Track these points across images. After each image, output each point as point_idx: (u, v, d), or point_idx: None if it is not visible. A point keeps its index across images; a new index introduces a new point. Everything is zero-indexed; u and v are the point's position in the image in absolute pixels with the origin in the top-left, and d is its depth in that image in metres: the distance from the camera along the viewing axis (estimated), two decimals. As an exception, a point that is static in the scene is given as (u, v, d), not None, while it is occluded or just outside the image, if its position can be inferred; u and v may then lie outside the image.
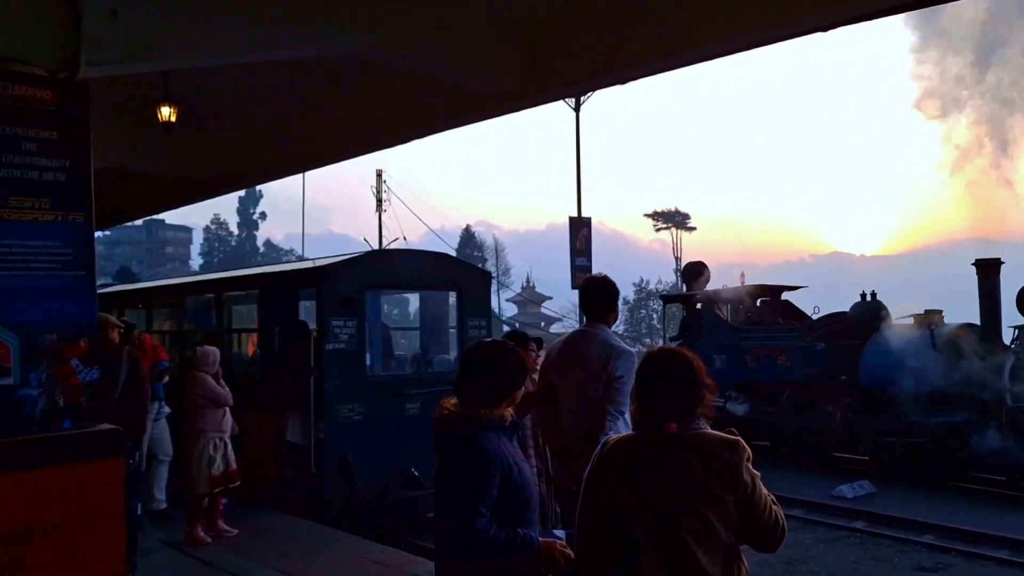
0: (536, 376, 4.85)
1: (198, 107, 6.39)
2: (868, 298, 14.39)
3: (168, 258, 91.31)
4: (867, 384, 13.62)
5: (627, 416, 4.46)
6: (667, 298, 21.00)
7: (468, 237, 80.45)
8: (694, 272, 17.61)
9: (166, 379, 8.25)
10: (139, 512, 6.92)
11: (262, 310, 9.97)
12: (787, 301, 17.18)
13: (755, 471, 2.49)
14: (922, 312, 13.59)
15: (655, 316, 73.70)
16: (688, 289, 17.99)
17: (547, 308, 53.54)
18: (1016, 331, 12.88)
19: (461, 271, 10.56)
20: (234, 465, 7.55)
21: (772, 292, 17.25)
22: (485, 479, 2.79)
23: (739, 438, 2.51)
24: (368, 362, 9.45)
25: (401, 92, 6.16)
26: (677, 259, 74.47)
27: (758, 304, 16.97)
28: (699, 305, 16.92)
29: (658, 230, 76.59)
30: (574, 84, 5.37)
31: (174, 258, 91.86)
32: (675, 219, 75.25)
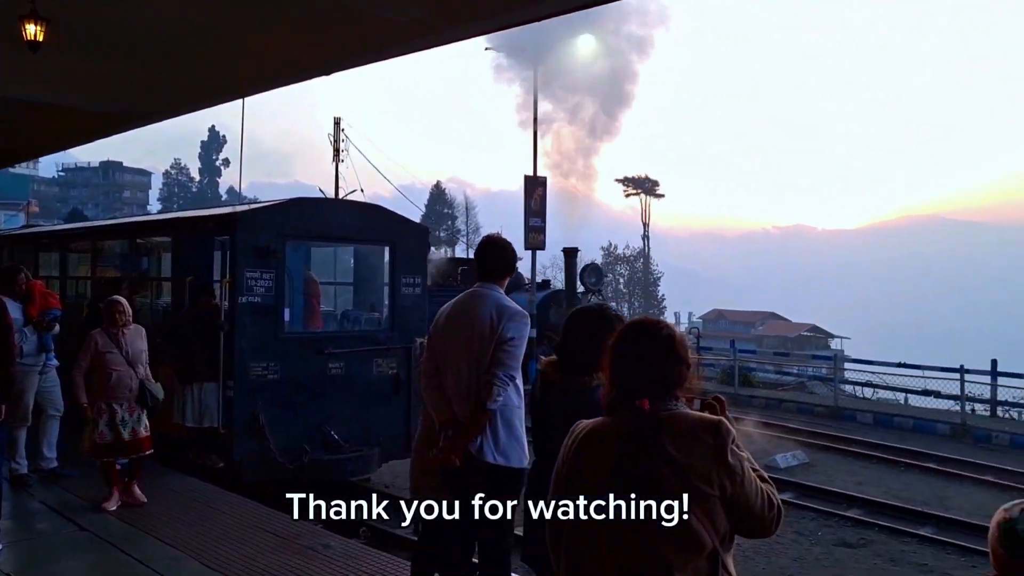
0: None
1: (80, 28, 5.70)
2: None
3: (125, 202, 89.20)
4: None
5: (519, 382, 4.05)
6: None
7: (438, 194, 79.66)
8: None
9: (56, 329, 7.62)
10: (3, 475, 6.30)
11: (175, 258, 9.37)
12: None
13: (742, 453, 2.09)
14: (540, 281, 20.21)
15: (621, 280, 73.90)
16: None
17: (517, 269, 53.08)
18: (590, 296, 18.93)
19: (396, 225, 9.99)
20: (127, 436, 6.57)
21: (468, 263, 22.01)
22: None
23: (722, 418, 2.12)
24: (287, 318, 8.92)
25: (306, 22, 5.55)
26: (645, 225, 74.57)
27: (459, 272, 20.88)
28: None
29: (628, 195, 76.50)
30: (484, 18, 4.83)
31: (131, 202, 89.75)
32: (644, 185, 75.23)
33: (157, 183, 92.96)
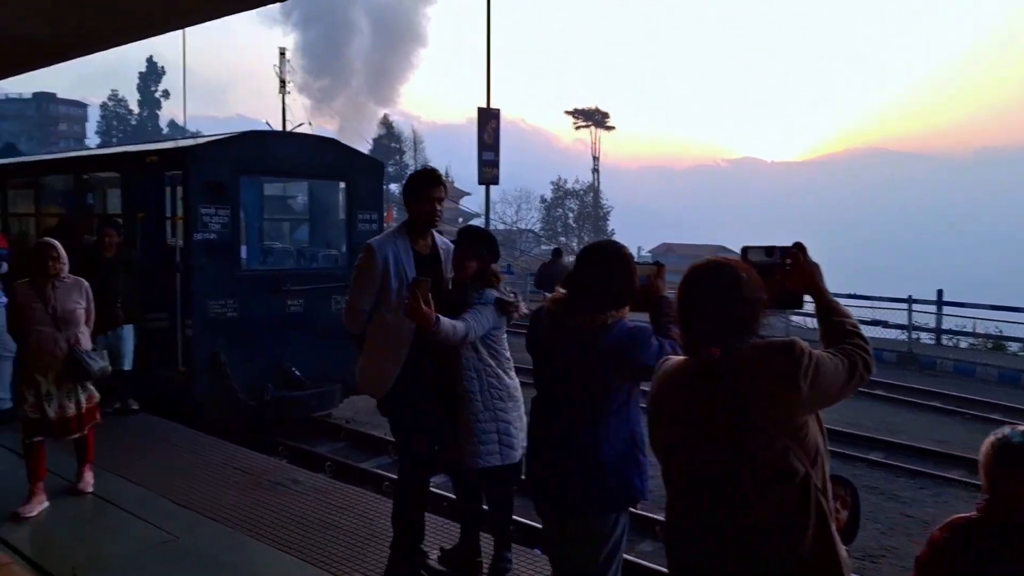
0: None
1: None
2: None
3: (61, 136, 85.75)
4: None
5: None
6: None
7: (386, 128, 78.02)
8: None
9: (4, 268, 7.36)
10: None
11: (125, 195, 9.06)
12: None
13: (813, 358, 2.04)
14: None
15: (571, 215, 73.94)
16: None
17: (465, 205, 52.65)
18: None
19: (351, 159, 9.80)
20: (52, 414, 5.30)
21: None
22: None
23: (793, 339, 2.07)
24: (244, 255, 8.75)
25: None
26: (595, 158, 74.39)
27: None
28: None
29: (577, 128, 75.98)
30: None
31: (68, 136, 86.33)
32: (595, 117, 74.61)
33: (94, 116, 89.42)
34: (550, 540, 3.17)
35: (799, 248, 2.30)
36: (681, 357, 2.25)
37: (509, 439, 4.13)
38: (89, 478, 5.71)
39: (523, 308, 4.18)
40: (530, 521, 6.57)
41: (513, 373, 4.26)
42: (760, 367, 2.04)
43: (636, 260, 3.04)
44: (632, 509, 3.22)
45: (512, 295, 4.15)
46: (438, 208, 4.21)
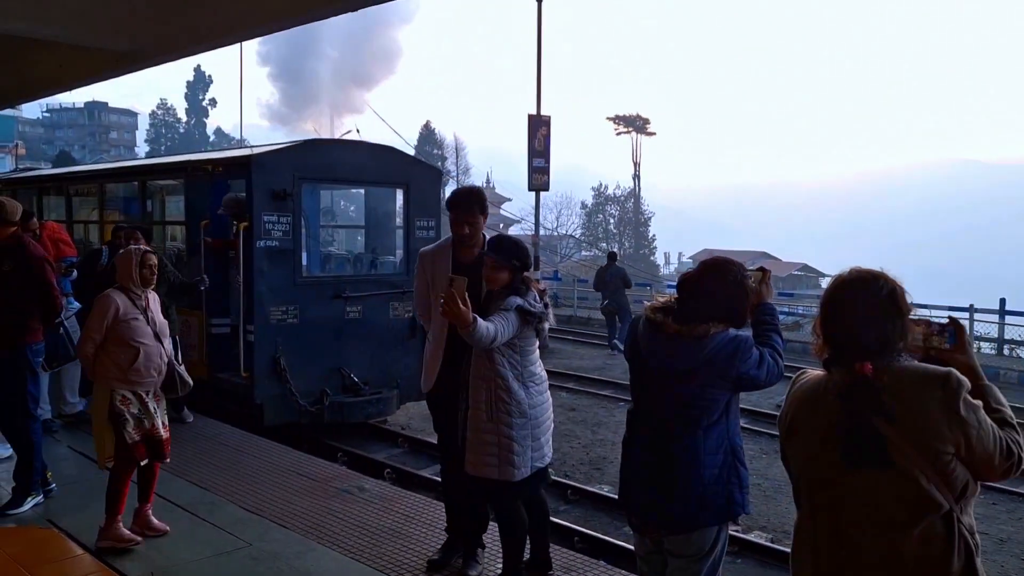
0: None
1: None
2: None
3: (112, 144, 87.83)
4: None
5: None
6: None
7: (428, 134, 78.48)
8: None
9: (74, 274, 7.50)
10: (39, 432, 5.70)
11: (188, 202, 9.19)
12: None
13: (975, 402, 1.96)
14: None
15: (612, 221, 73.70)
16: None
17: (506, 210, 52.75)
18: None
19: (409, 166, 9.83)
20: (164, 434, 4.96)
21: None
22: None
23: (951, 369, 1.97)
24: (304, 261, 8.81)
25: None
26: (636, 164, 74.05)
27: None
28: None
29: (618, 134, 75.72)
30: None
31: (118, 144, 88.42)
32: (636, 123, 74.37)
33: (144, 124, 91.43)
34: (646, 557, 3.09)
35: (958, 326, 2.16)
36: (818, 372, 2.16)
37: (510, 456, 3.95)
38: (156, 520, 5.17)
39: (546, 323, 4.02)
40: (592, 531, 6.52)
41: (538, 388, 4.09)
42: (913, 394, 1.95)
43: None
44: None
45: (539, 305, 3.96)
46: (465, 230, 4.33)
